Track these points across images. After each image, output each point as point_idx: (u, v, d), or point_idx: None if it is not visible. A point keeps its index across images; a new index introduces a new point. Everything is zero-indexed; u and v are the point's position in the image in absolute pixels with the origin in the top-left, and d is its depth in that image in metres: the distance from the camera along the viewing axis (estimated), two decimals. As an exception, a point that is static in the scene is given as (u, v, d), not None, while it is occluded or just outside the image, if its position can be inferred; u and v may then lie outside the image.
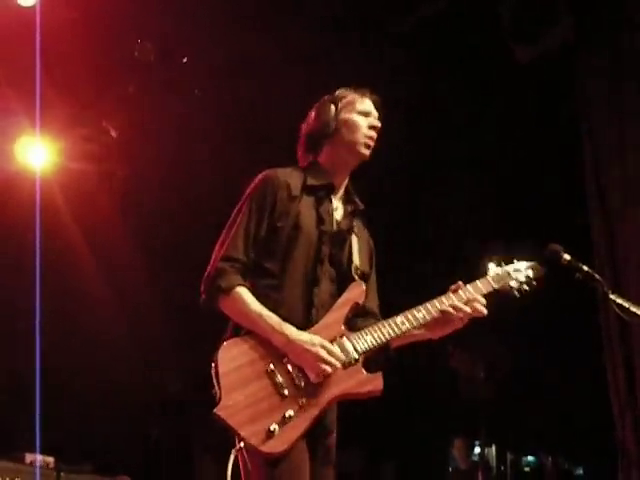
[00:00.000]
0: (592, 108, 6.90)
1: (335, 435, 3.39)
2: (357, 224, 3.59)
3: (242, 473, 3.20)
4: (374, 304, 3.61)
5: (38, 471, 6.62)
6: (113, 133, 7.87)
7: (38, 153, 7.71)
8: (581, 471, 7.64)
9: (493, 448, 7.61)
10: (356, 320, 3.42)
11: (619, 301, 3.32)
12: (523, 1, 6.52)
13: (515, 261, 3.65)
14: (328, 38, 6.90)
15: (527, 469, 7.62)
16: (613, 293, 3.36)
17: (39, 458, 6.77)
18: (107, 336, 8.41)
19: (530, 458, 7.66)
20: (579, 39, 6.74)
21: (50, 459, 6.88)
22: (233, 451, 3.12)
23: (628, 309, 3.31)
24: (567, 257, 3.39)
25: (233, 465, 3.14)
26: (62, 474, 6.82)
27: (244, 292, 3.26)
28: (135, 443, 8.71)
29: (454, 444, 7.88)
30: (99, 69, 7.16)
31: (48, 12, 6.51)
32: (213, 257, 3.37)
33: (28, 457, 6.75)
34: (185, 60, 7.41)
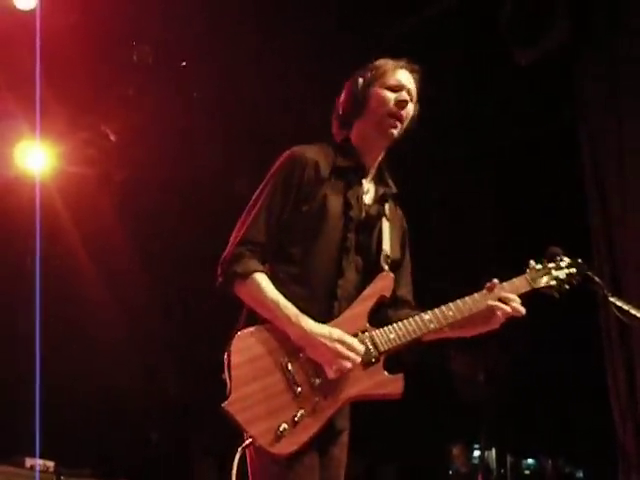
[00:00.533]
0: (590, 111, 6.90)
1: (347, 433, 3.22)
2: (389, 207, 3.36)
3: (249, 470, 3.03)
4: (407, 291, 3.39)
5: (38, 475, 6.62)
6: (112, 137, 7.87)
7: (37, 157, 7.72)
8: (581, 474, 7.64)
9: (493, 451, 7.60)
10: (386, 310, 3.24)
11: (619, 304, 3.32)
12: (521, 4, 6.52)
13: (558, 257, 3.37)
14: (329, 39, 6.89)
15: (527, 472, 7.62)
16: (613, 296, 3.35)
17: (39, 462, 6.77)
18: (107, 340, 8.41)
19: (530, 461, 7.65)
20: (577, 42, 6.74)
21: (50, 463, 6.88)
22: (239, 449, 2.93)
23: (628, 312, 3.30)
24: (567, 259, 3.36)
25: (238, 463, 2.94)
26: (62, 478, 6.82)
27: (262, 278, 3.06)
28: (135, 447, 8.70)
29: (452, 452, 7.87)
30: (98, 73, 7.17)
31: (48, 16, 6.52)
32: (232, 238, 3.17)
33: (28, 461, 6.75)
34: (184, 64, 7.42)
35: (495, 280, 3.24)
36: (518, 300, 3.21)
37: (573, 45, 6.66)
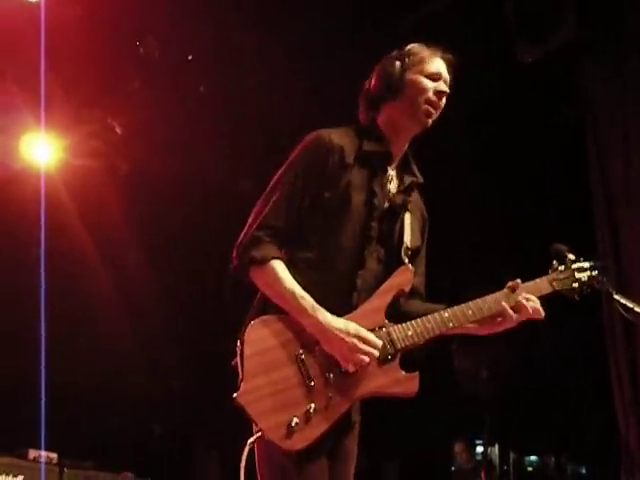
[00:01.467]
0: (596, 109, 6.89)
1: (358, 427, 3.14)
2: (413, 196, 3.26)
3: (257, 462, 2.94)
4: (419, 282, 3.31)
5: (42, 467, 6.64)
6: (118, 130, 7.87)
7: (43, 150, 7.72)
8: (584, 471, 7.63)
9: (496, 447, 7.59)
10: (398, 301, 3.13)
11: (623, 301, 3.30)
12: (527, 1, 6.50)
13: (581, 258, 3.32)
14: (331, 35, 6.87)
15: (530, 469, 7.60)
16: (617, 293, 3.34)
17: (43, 454, 6.79)
18: (111, 333, 8.43)
19: (533, 458, 7.64)
20: (582, 40, 6.73)
21: (54, 455, 6.90)
22: (249, 442, 2.85)
23: (632, 309, 3.29)
24: (572, 257, 3.35)
25: (247, 457, 2.87)
26: (65, 470, 6.83)
27: (279, 266, 2.96)
28: (138, 440, 8.72)
29: (454, 448, 7.86)
30: (104, 66, 7.16)
31: (53, 8, 6.51)
32: (250, 221, 3.06)
33: (32, 453, 6.77)
34: (190, 58, 7.41)
35: (518, 280, 3.19)
36: (538, 302, 3.18)
37: (579, 42, 6.65)
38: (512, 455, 7.54)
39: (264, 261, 2.97)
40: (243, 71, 7.27)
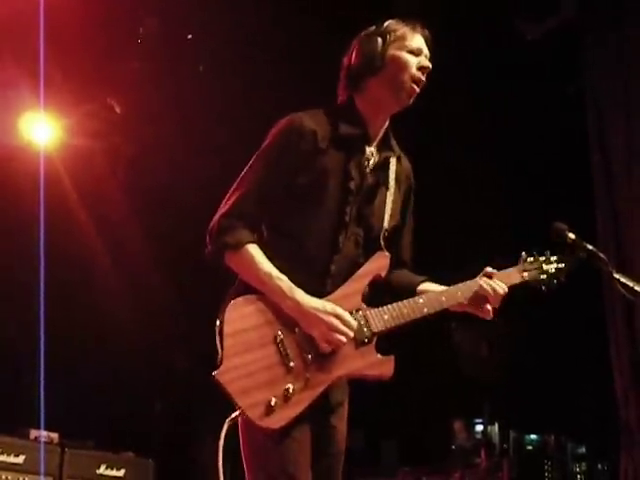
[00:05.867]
0: (597, 89, 6.88)
1: (345, 410, 3.18)
2: (393, 169, 3.22)
3: (240, 440, 3.01)
4: (406, 252, 3.36)
5: (42, 447, 6.66)
6: (118, 109, 7.84)
7: (42, 129, 7.69)
8: (584, 450, 7.65)
9: (496, 426, 7.61)
10: (392, 273, 3.20)
11: (623, 280, 3.30)
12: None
13: (547, 252, 3.40)
14: (334, 17, 6.82)
15: (530, 447, 7.62)
16: (617, 272, 3.34)
17: (44, 434, 6.81)
18: (112, 312, 8.42)
19: (533, 436, 7.66)
20: (583, 18, 6.72)
21: (54, 435, 6.91)
22: (228, 420, 2.93)
23: (632, 288, 3.29)
24: (572, 236, 3.34)
25: (225, 435, 2.94)
26: (66, 450, 6.85)
27: (254, 249, 2.99)
28: (139, 419, 8.73)
29: (454, 426, 7.87)
30: (104, 45, 7.13)
31: (52, -13, 6.48)
32: (222, 206, 3.08)
33: (33, 433, 6.78)
34: (190, 37, 7.38)
35: (489, 268, 3.26)
36: (503, 289, 3.20)
37: (579, 21, 6.63)
38: (512, 434, 7.55)
39: (238, 245, 3.00)
40: (245, 50, 7.22)
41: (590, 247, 3.34)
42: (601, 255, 3.33)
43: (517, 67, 6.99)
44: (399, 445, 8.60)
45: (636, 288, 3.29)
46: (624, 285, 3.29)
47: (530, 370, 7.80)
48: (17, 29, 6.78)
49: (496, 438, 7.69)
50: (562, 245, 3.36)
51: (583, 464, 7.59)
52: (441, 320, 3.24)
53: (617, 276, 3.31)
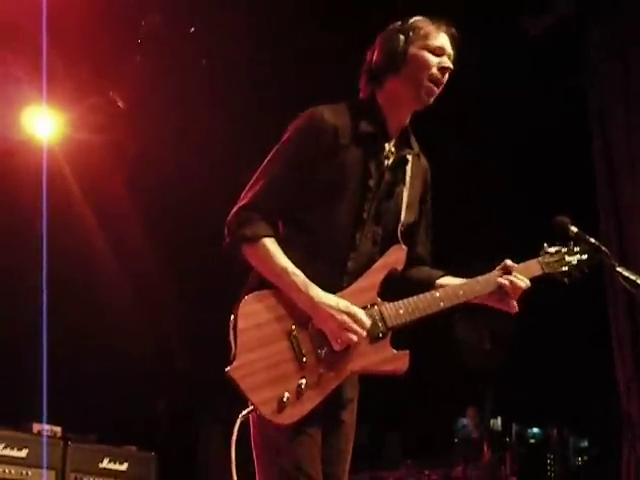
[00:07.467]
0: (599, 82, 6.88)
1: (355, 405, 3.17)
2: (411, 167, 3.21)
3: (252, 437, 3.00)
4: (424, 249, 3.35)
5: (45, 440, 6.67)
6: (121, 104, 7.83)
7: (45, 123, 7.69)
8: (586, 443, 7.66)
9: (499, 419, 7.61)
10: (410, 270, 3.20)
11: (626, 273, 3.30)
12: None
13: (570, 242, 3.31)
14: (339, 14, 6.79)
15: (532, 440, 7.63)
16: (620, 265, 3.33)
17: (46, 428, 6.82)
18: (115, 306, 8.43)
19: (536, 430, 7.66)
20: (584, 15, 6.71)
21: (57, 429, 6.93)
22: (240, 416, 2.88)
23: (635, 281, 3.29)
24: (574, 229, 3.33)
25: (238, 431, 2.90)
26: (69, 443, 6.86)
27: (271, 244, 2.98)
28: (142, 413, 8.74)
29: (467, 412, 7.89)
30: (107, 39, 7.12)
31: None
32: (242, 199, 3.06)
33: (36, 427, 6.80)
34: (192, 30, 7.37)
35: (508, 261, 3.22)
36: (525, 282, 3.17)
37: (580, 16, 6.63)
38: (515, 427, 7.56)
39: (256, 238, 2.99)
40: (249, 43, 7.21)
41: (593, 240, 3.33)
42: (603, 248, 3.32)
43: (519, 63, 6.97)
44: (403, 438, 8.62)
45: (638, 281, 3.28)
46: (626, 278, 3.29)
47: (533, 363, 7.81)
48: (20, 23, 6.78)
49: (499, 431, 7.70)
50: (565, 239, 3.35)
51: (585, 457, 7.60)
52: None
53: (619, 269, 3.31)
